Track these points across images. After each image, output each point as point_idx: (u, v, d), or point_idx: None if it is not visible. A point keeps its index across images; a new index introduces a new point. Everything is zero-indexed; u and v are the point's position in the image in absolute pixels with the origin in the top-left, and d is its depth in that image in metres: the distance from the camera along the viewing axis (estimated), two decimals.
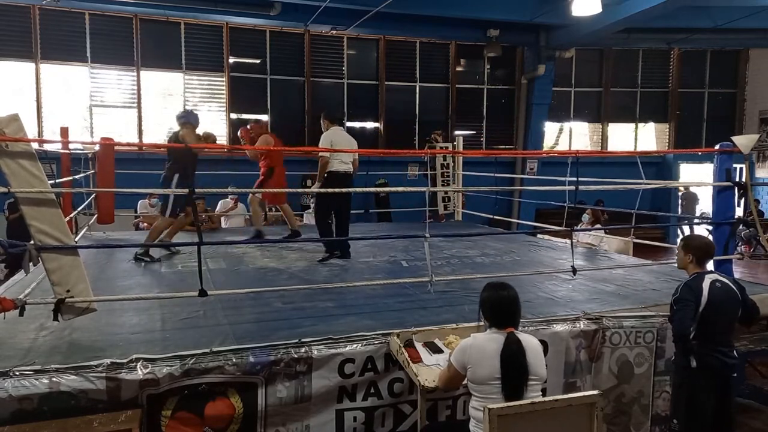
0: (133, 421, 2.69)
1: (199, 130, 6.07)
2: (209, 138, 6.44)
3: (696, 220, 12.64)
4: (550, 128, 13.97)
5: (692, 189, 13.00)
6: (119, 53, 11.13)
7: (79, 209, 7.05)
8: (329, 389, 3.13)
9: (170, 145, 6.00)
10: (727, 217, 4.89)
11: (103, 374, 2.72)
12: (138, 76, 11.27)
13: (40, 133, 10.71)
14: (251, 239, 6.80)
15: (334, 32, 11.96)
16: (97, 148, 7.19)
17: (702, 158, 13.82)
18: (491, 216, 9.76)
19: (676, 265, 3.60)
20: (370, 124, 12.93)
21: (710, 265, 3.55)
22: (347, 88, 12.62)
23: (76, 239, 5.90)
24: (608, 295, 4.37)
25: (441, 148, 10.27)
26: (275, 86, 12.17)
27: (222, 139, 11.24)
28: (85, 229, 7.13)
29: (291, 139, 11.98)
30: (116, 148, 7.65)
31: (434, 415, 3.31)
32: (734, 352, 3.32)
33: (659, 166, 14.19)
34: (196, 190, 3.97)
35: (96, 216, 7.33)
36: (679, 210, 12.85)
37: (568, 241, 5.03)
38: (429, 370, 2.96)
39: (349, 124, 12.23)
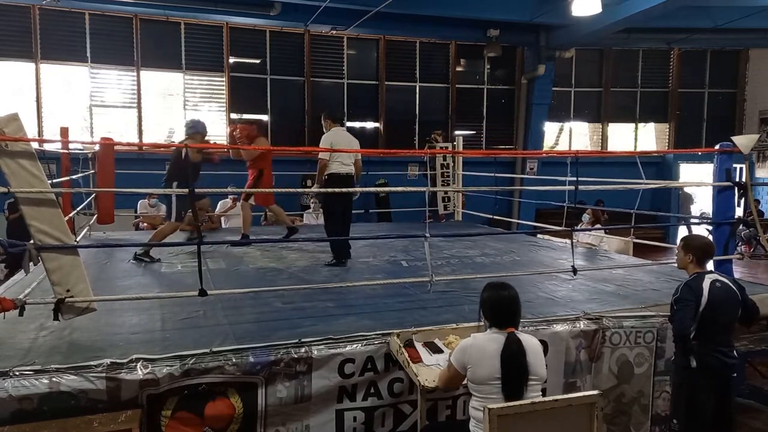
0: (133, 421, 2.69)
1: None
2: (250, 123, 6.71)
3: (696, 220, 12.64)
4: (550, 128, 13.96)
5: (686, 189, 13.01)
6: (119, 53, 11.12)
7: (78, 209, 7.05)
8: (329, 389, 3.13)
9: (170, 145, 6.01)
10: (727, 217, 4.89)
11: (103, 374, 2.72)
12: (138, 76, 11.26)
13: (40, 133, 10.70)
14: (250, 240, 6.78)
15: (334, 32, 11.95)
16: (97, 148, 7.18)
17: (702, 158, 13.81)
18: (491, 216, 9.77)
19: (676, 265, 3.60)
20: (370, 124, 12.92)
21: (710, 265, 3.55)
22: (347, 88, 12.61)
23: (76, 239, 5.89)
24: (608, 295, 4.37)
25: (441, 148, 10.27)
26: (275, 86, 12.17)
27: (222, 139, 11.23)
28: (85, 229, 7.13)
29: (291, 139, 12.01)
30: (116, 148, 7.64)
31: (434, 415, 3.31)
32: (734, 352, 3.32)
33: (659, 166, 14.18)
34: (196, 190, 3.98)
35: (96, 216, 7.33)
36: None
37: (568, 241, 5.03)
38: (429, 370, 2.97)
39: (349, 124, 12.21)
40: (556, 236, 7.28)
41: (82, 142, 9.79)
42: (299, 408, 3.08)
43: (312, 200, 10.00)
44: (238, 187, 8.57)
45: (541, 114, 13.22)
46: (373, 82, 12.82)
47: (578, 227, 7.00)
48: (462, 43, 13.08)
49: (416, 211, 9.21)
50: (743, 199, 4.81)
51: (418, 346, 3.20)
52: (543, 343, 2.94)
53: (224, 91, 11.79)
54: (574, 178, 4.70)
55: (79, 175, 6.85)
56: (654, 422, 3.82)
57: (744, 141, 4.78)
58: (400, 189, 4.81)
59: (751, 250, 9.70)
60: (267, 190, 6.80)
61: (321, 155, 5.62)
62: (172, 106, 11.64)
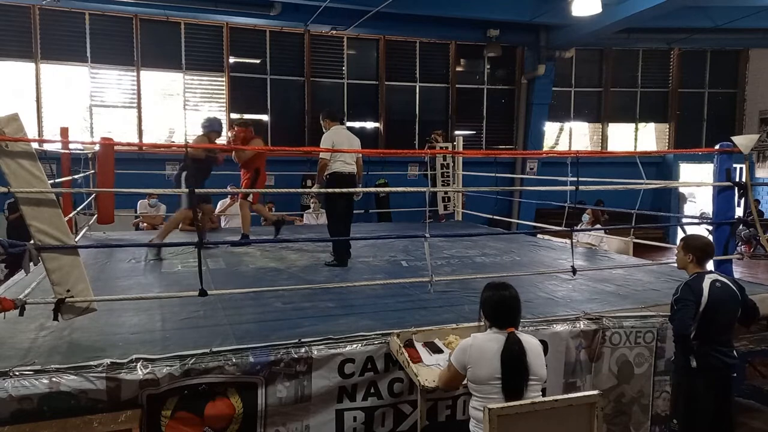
0: (133, 421, 2.69)
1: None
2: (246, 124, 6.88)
3: (696, 220, 12.64)
4: (550, 128, 13.96)
5: (681, 189, 13.02)
6: (119, 53, 11.12)
7: (78, 209, 7.05)
8: (329, 389, 3.13)
9: (170, 145, 6.05)
10: (727, 217, 4.89)
11: (103, 374, 2.72)
12: (138, 76, 11.27)
13: (40, 133, 10.71)
14: (250, 240, 6.78)
15: (334, 32, 11.96)
16: (97, 148, 7.19)
17: (702, 158, 13.80)
18: (491, 216, 9.77)
19: (676, 265, 3.60)
20: (370, 124, 12.92)
21: (710, 265, 3.55)
22: (347, 88, 12.61)
23: (76, 239, 5.89)
24: (608, 295, 4.37)
25: (441, 148, 10.27)
26: (275, 86, 12.17)
27: (222, 139, 11.21)
28: (85, 229, 7.13)
29: (291, 139, 12.01)
30: (116, 148, 7.65)
31: (434, 415, 3.31)
32: (734, 352, 3.32)
33: (659, 166, 14.18)
34: (196, 190, 3.98)
35: (96, 216, 7.33)
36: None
37: (568, 241, 5.03)
38: (429, 370, 2.96)
39: (349, 124, 12.21)
40: (556, 236, 7.28)
41: (82, 142, 9.79)
42: (299, 408, 3.08)
43: (312, 200, 10.00)
44: (238, 187, 8.60)
45: (541, 114, 13.22)
46: (373, 82, 12.83)
47: (578, 227, 7.00)
48: (462, 43, 13.08)
49: (416, 211, 9.21)
50: (743, 199, 4.82)
51: (418, 346, 3.20)
52: (543, 343, 2.94)
53: (224, 91, 11.79)
54: (575, 178, 4.71)
55: (80, 175, 6.85)
56: (654, 422, 3.82)
57: (744, 141, 4.79)
58: (400, 189, 4.80)
59: (751, 250, 9.71)
60: (268, 190, 6.81)
61: (322, 155, 5.61)
62: (172, 106, 11.64)
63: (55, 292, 3.07)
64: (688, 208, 13.36)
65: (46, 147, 6.66)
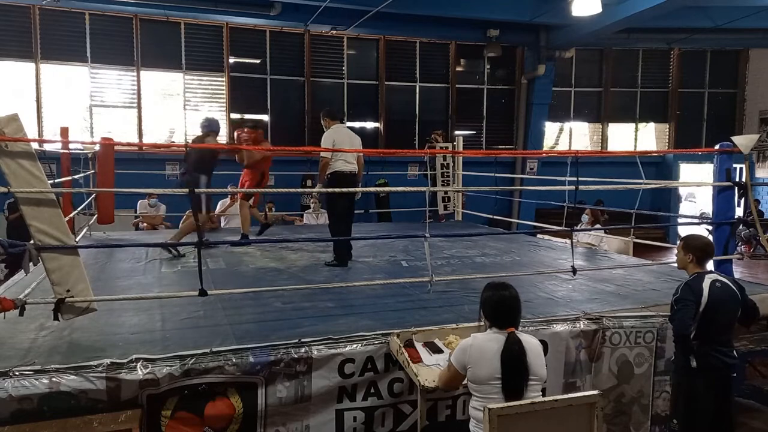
0: (133, 421, 2.69)
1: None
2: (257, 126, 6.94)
3: (696, 220, 12.65)
4: (550, 128, 13.96)
5: (677, 189, 13.04)
6: (119, 53, 11.13)
7: (78, 209, 7.05)
8: (329, 389, 3.13)
9: (170, 145, 6.06)
10: (727, 217, 4.89)
11: (103, 374, 2.72)
12: (138, 76, 11.27)
13: (40, 133, 10.71)
14: (250, 240, 6.79)
15: (334, 32, 11.96)
16: (97, 148, 7.19)
17: (702, 158, 13.82)
18: (491, 216, 9.77)
19: (676, 265, 3.60)
20: (370, 124, 12.93)
21: (710, 265, 3.55)
22: (347, 88, 12.61)
23: (76, 239, 5.89)
24: (608, 295, 4.37)
25: (441, 148, 10.27)
26: (275, 86, 12.17)
27: (222, 139, 11.23)
28: (85, 229, 7.13)
29: (291, 139, 12.01)
30: (116, 148, 7.65)
31: (434, 415, 3.31)
32: (734, 352, 3.32)
33: (659, 166, 14.19)
34: (196, 190, 3.98)
35: (96, 216, 7.33)
36: None
37: (568, 241, 5.03)
38: (429, 370, 2.96)
39: (349, 124, 12.17)
40: (556, 236, 7.28)
41: (82, 142, 9.79)
42: (299, 408, 3.08)
43: (312, 200, 10.00)
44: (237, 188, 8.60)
45: (541, 114, 13.22)
46: (373, 82, 12.83)
47: (578, 228, 7.00)
48: (462, 43, 13.08)
49: (416, 211, 9.21)
50: (743, 199, 4.82)
51: (418, 346, 3.20)
52: (543, 343, 2.94)
53: (224, 91, 11.79)
54: (574, 178, 4.70)
55: (80, 175, 6.85)
56: (654, 422, 3.82)
57: (744, 141, 4.78)
58: (400, 189, 4.81)
59: (751, 250, 9.72)
60: (268, 190, 6.82)
61: (323, 153, 5.59)
62: (172, 106, 11.63)
63: (55, 292, 3.07)
64: (688, 208, 13.36)
65: (46, 147, 6.68)
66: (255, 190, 6.80)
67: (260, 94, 12.08)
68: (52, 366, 2.72)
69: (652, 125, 14.82)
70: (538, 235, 7.83)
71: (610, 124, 14.39)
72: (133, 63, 11.21)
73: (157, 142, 11.39)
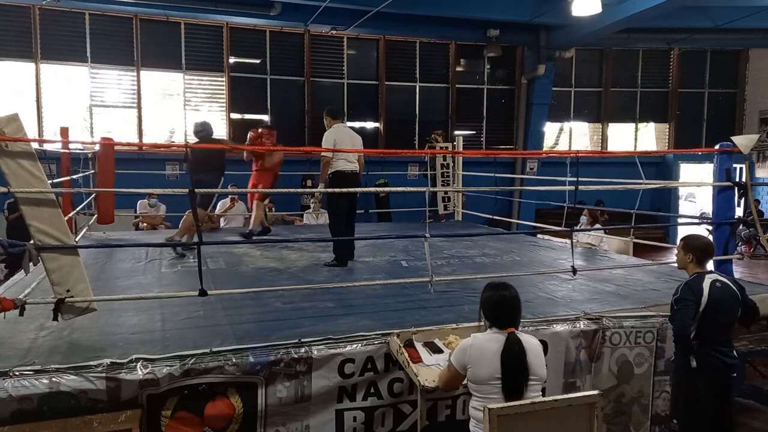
0: (133, 421, 2.69)
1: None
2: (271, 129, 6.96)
3: (696, 220, 12.65)
4: (550, 128, 13.96)
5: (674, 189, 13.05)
6: (119, 53, 11.12)
7: (78, 209, 7.05)
8: (329, 389, 3.13)
9: (170, 145, 6.06)
10: (727, 217, 4.89)
11: (103, 374, 2.72)
12: (138, 76, 11.26)
13: (40, 133, 10.70)
14: (250, 240, 6.79)
15: (334, 32, 11.96)
16: (97, 148, 7.19)
17: (702, 158, 13.81)
18: (491, 216, 9.77)
19: (676, 265, 3.60)
20: (370, 124, 12.92)
21: (710, 265, 3.55)
22: (347, 88, 12.61)
23: (76, 239, 5.90)
24: (608, 295, 4.37)
25: (441, 148, 10.27)
26: (275, 86, 12.17)
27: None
28: (85, 229, 7.13)
29: (291, 139, 11.98)
30: (116, 148, 7.65)
31: (434, 415, 3.31)
32: (734, 352, 3.32)
33: (659, 166, 14.19)
34: (196, 190, 3.97)
35: (96, 216, 7.33)
36: None
37: (568, 241, 5.03)
38: (429, 370, 2.96)
39: (349, 124, 12.18)
40: (556, 236, 7.28)
41: (82, 142, 9.78)
42: (299, 408, 3.08)
43: (312, 200, 10.00)
44: (238, 187, 8.60)
45: (541, 114, 13.22)
46: (373, 82, 12.83)
47: (577, 228, 7.00)
48: (462, 43, 13.08)
49: (416, 211, 9.21)
50: (743, 199, 4.81)
51: (418, 346, 3.20)
52: (543, 343, 2.94)
53: (224, 91, 11.79)
54: (574, 178, 4.70)
55: (79, 175, 6.85)
56: (654, 422, 3.82)
57: (744, 141, 4.78)
58: (400, 189, 4.80)
59: (751, 250, 9.72)
60: (268, 190, 6.82)
61: (324, 153, 5.58)
62: (172, 106, 11.63)
63: (55, 292, 3.07)
64: (688, 209, 13.36)
65: (46, 147, 6.65)
66: (255, 190, 6.80)
67: (260, 94, 12.08)
68: (52, 366, 2.72)
69: (652, 125, 14.82)
70: (538, 235, 7.83)
71: (610, 124, 14.39)
72: (133, 63, 11.20)
73: (157, 142, 11.40)
